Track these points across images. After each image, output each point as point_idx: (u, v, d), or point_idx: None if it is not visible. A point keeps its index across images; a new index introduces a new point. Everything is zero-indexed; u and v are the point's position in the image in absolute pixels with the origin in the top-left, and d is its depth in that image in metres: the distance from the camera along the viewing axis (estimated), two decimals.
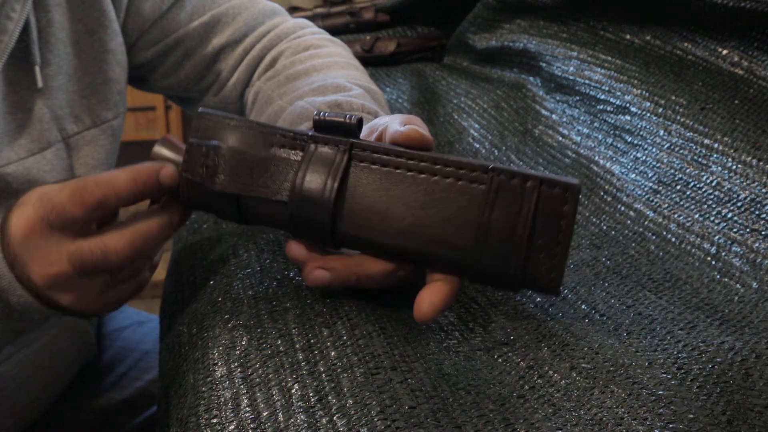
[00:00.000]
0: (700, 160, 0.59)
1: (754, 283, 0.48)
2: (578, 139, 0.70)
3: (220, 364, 0.41)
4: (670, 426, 0.35)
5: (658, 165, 0.61)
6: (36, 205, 0.45)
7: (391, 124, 0.44)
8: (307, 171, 0.42)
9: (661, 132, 0.64)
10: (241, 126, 0.46)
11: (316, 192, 0.42)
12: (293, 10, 1.24)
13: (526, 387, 0.39)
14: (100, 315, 0.51)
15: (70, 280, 0.46)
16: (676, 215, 0.56)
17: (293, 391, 0.38)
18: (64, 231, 0.45)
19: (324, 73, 0.63)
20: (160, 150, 0.48)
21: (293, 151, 0.44)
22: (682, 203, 0.57)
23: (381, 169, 0.42)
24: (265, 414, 0.37)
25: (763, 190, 0.54)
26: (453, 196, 0.40)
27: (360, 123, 0.43)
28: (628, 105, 0.69)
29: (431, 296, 0.41)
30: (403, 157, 0.42)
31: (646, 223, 0.57)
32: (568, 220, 0.39)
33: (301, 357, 0.41)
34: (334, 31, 0.90)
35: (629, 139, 0.66)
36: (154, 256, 0.52)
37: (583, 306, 0.47)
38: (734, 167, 0.57)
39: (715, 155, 0.59)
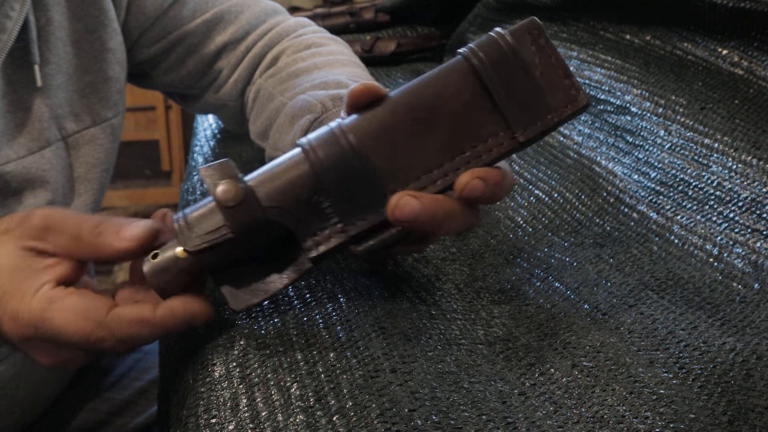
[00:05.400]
0: (700, 160, 0.59)
1: (756, 284, 0.48)
2: (579, 139, 0.70)
3: (218, 364, 0.41)
4: (671, 425, 0.35)
5: (660, 165, 0.61)
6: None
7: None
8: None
9: (662, 132, 0.64)
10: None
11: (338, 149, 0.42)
12: (293, 10, 1.24)
13: (527, 384, 0.39)
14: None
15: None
16: (678, 217, 0.56)
17: (292, 390, 0.38)
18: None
19: (325, 71, 0.63)
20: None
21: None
22: (684, 204, 0.57)
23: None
24: (264, 414, 0.36)
25: (764, 190, 0.54)
26: None
27: None
28: (628, 105, 0.69)
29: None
30: None
31: (649, 225, 0.57)
32: None
33: (299, 357, 0.40)
34: (334, 31, 0.90)
35: (630, 140, 0.66)
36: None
37: (585, 305, 0.47)
38: (735, 167, 0.57)
39: (715, 155, 0.59)
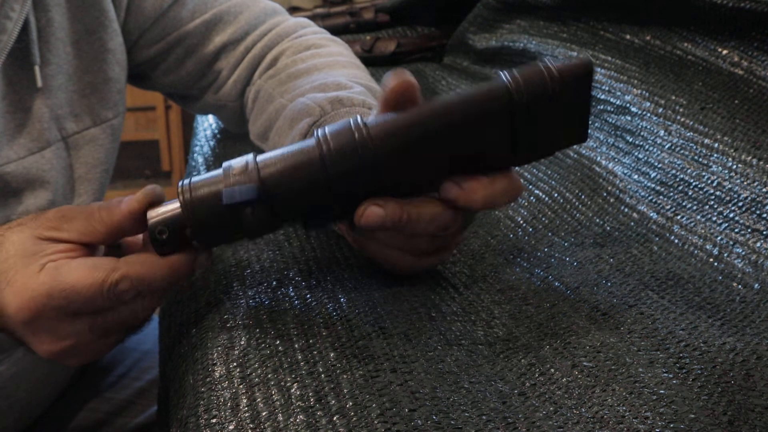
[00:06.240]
0: (700, 160, 0.59)
1: (756, 284, 0.48)
2: None
3: (218, 364, 0.41)
4: (671, 425, 0.35)
5: (660, 165, 0.61)
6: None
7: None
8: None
9: (662, 132, 0.64)
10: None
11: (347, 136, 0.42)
12: (293, 10, 1.24)
13: (528, 384, 0.39)
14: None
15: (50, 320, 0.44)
16: (678, 217, 0.56)
17: (292, 390, 0.38)
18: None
19: (325, 72, 0.63)
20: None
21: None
22: (684, 204, 0.57)
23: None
24: (264, 414, 0.36)
25: (764, 190, 0.54)
26: None
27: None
28: (628, 105, 0.69)
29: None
30: None
31: (649, 225, 0.57)
32: None
33: (300, 357, 0.41)
34: (334, 31, 0.90)
35: (630, 140, 0.66)
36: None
37: (585, 305, 0.47)
38: (735, 167, 0.57)
39: (715, 155, 0.59)
